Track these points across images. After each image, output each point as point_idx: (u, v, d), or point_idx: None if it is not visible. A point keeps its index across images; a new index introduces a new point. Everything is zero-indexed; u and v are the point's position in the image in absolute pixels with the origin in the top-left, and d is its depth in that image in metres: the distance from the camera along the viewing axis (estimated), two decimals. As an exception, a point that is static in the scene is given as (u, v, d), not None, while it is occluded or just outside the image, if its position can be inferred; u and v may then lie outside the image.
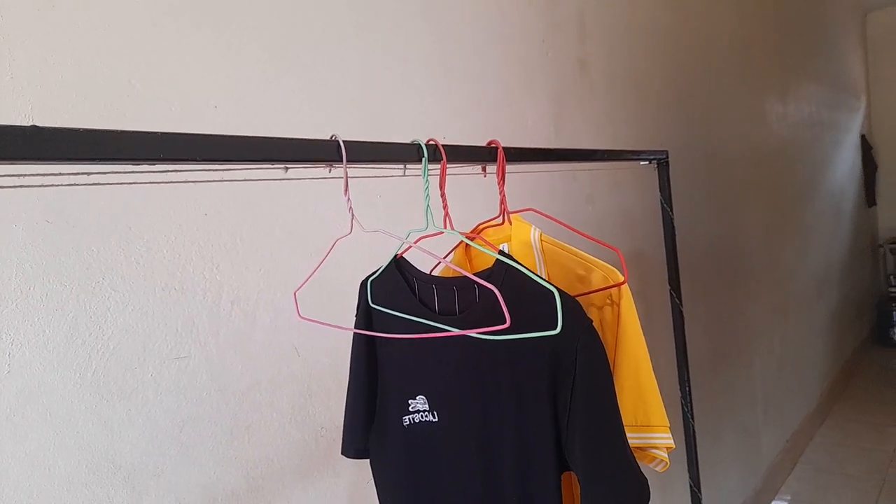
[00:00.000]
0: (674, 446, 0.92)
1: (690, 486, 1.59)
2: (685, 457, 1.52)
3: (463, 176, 1.05)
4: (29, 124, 0.44)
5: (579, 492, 0.77)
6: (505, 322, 0.62)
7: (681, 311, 1.52)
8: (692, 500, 1.59)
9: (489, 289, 0.67)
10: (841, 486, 3.07)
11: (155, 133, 0.47)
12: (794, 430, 3.35)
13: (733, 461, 2.68)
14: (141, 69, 0.89)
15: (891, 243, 5.62)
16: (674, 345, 1.49)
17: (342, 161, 0.67)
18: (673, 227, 1.58)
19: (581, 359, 0.73)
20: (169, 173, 0.63)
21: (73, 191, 0.81)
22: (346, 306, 1.14)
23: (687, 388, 1.51)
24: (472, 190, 1.38)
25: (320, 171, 0.73)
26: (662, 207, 1.60)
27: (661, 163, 1.55)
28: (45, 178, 0.60)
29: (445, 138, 1.40)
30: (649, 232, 2.11)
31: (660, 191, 1.58)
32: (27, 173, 0.57)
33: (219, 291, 0.97)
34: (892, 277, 5.40)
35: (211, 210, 0.96)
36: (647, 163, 1.56)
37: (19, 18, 0.78)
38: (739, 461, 2.74)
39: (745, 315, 2.88)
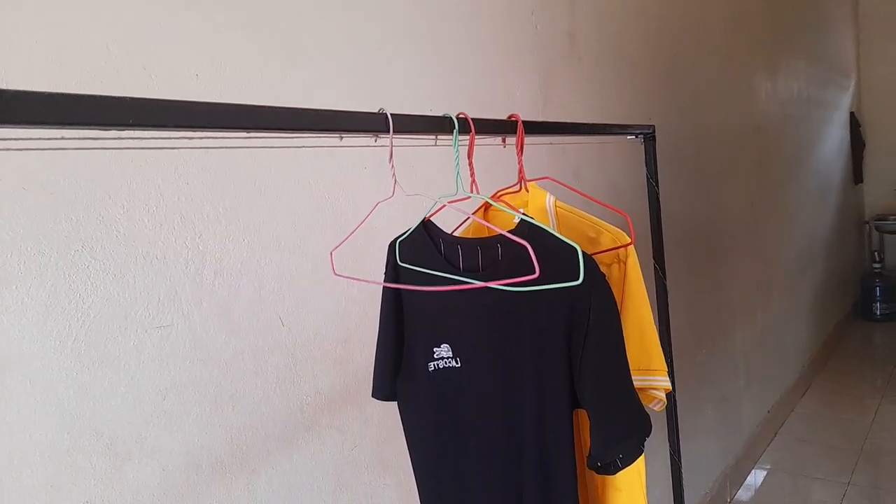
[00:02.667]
0: (671, 388, 1.04)
1: (670, 455, 1.62)
2: (665, 426, 1.55)
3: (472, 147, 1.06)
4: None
5: (589, 426, 0.86)
6: (530, 275, 0.71)
7: (664, 286, 1.53)
8: (672, 468, 1.62)
9: (513, 246, 0.78)
10: (820, 456, 3.14)
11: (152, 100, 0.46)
12: (775, 402, 3.41)
13: (714, 432, 2.74)
14: (118, 35, 0.88)
15: (876, 220, 5.67)
16: (657, 319, 1.50)
17: (389, 132, 0.75)
18: (658, 202, 1.59)
19: (595, 306, 0.81)
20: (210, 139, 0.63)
21: (50, 158, 0.80)
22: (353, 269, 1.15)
23: (669, 361, 1.53)
24: (481, 160, 1.39)
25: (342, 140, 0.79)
26: (648, 182, 1.61)
27: (648, 137, 1.55)
28: (11, 142, 0.60)
29: (431, 111, 1.39)
30: (636, 207, 2.11)
31: (646, 166, 1.58)
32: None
33: (202, 261, 0.97)
34: (876, 253, 5.46)
35: (193, 179, 0.96)
36: (633, 137, 1.56)
37: (-8, -19, 0.76)
38: (720, 432, 2.79)
39: (730, 290, 2.91)
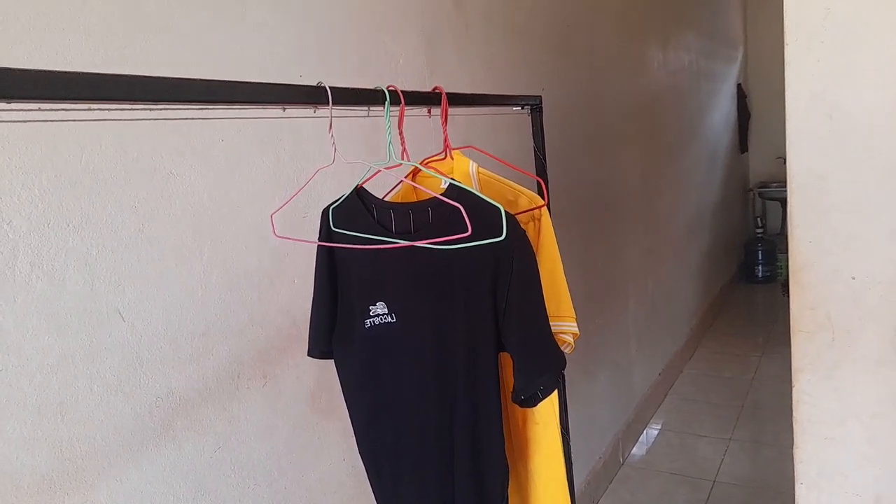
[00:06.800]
0: (579, 333, 1.14)
1: (560, 428, 1.62)
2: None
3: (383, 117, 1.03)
4: None
5: (511, 368, 0.96)
6: (459, 234, 0.80)
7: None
8: (562, 440, 1.62)
9: (443, 208, 0.87)
10: (704, 414, 3.32)
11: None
12: (664, 365, 3.56)
13: (608, 397, 2.82)
14: None
15: (759, 187, 6.02)
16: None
17: (328, 103, 0.80)
18: (546, 174, 1.56)
19: (517, 259, 0.90)
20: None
21: None
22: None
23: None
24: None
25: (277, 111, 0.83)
26: (536, 155, 1.57)
27: (535, 108, 1.51)
28: None
29: (302, 77, 1.27)
30: (528, 178, 2.08)
31: (533, 137, 1.54)
32: None
33: (13, 252, 0.83)
34: (759, 219, 5.81)
35: (-4, 156, 0.81)
36: (519, 109, 1.51)
37: None
38: (613, 397, 2.88)
39: (621, 258, 2.98)
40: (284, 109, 0.81)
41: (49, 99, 0.56)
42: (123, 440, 0.96)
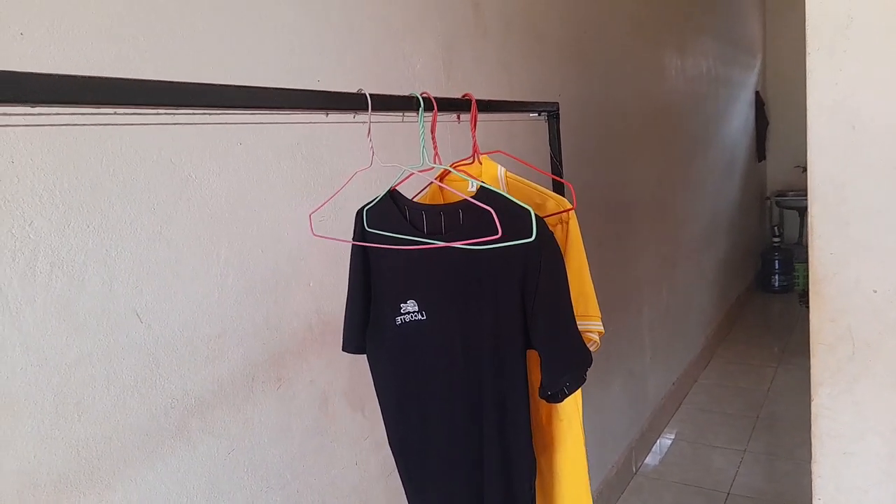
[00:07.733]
0: (604, 332, 1.18)
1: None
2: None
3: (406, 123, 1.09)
4: None
5: (537, 366, 0.98)
6: (489, 236, 0.82)
7: (566, 267, 1.50)
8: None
9: (474, 211, 0.90)
10: (719, 425, 3.28)
11: None
12: (679, 374, 3.52)
13: (621, 406, 2.79)
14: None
15: (777, 196, 5.96)
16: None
17: (367, 109, 0.84)
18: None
19: (546, 259, 0.93)
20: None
21: None
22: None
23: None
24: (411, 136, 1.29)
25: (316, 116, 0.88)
26: (552, 161, 1.56)
27: (552, 115, 1.50)
28: None
29: (320, 82, 1.28)
30: (544, 183, 2.07)
31: (549, 144, 1.54)
32: None
33: (34, 252, 0.84)
34: (776, 228, 5.75)
35: (19, 157, 0.82)
36: (536, 115, 1.51)
37: None
38: (627, 405, 2.86)
39: (636, 265, 2.96)
40: (327, 115, 0.85)
41: (72, 103, 0.56)
42: (139, 440, 0.97)
